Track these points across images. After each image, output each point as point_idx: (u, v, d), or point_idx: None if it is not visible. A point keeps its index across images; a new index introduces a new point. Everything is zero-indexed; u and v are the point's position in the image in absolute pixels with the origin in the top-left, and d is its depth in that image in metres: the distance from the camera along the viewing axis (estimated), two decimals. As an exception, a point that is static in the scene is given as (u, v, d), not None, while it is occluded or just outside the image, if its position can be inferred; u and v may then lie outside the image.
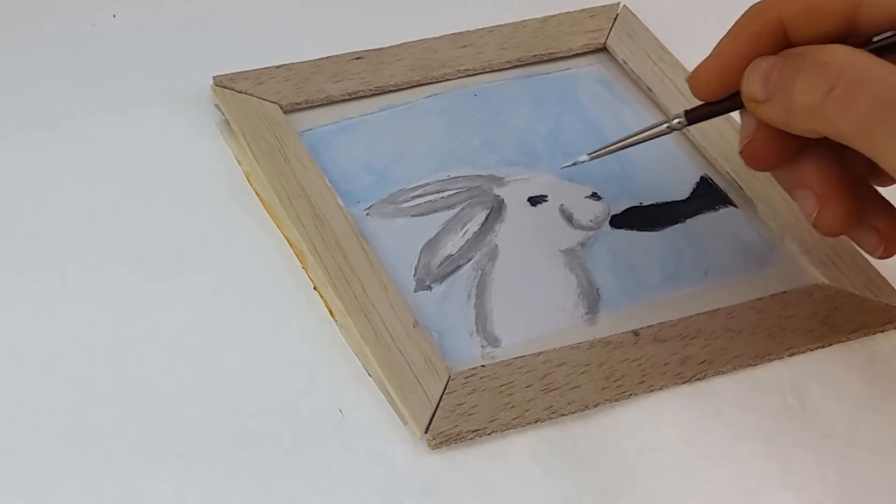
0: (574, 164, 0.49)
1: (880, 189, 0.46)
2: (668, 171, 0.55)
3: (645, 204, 0.53)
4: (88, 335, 0.46)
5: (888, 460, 0.45)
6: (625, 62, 0.59)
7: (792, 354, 0.48)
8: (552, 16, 0.61)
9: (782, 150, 0.45)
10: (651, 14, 0.62)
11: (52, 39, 0.58)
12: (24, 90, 0.55)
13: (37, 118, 0.54)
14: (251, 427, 0.44)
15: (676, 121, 0.47)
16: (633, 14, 0.62)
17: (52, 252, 0.48)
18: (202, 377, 0.45)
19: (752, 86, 0.44)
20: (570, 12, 0.62)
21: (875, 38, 0.43)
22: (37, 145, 0.53)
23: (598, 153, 0.49)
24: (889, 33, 0.43)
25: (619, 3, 0.62)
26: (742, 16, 0.45)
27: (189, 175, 0.52)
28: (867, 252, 0.46)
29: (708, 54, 0.46)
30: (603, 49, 0.60)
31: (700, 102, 0.47)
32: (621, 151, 0.55)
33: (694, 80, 0.46)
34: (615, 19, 0.61)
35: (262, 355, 0.46)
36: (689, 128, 0.55)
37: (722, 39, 0.45)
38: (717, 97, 0.46)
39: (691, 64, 0.58)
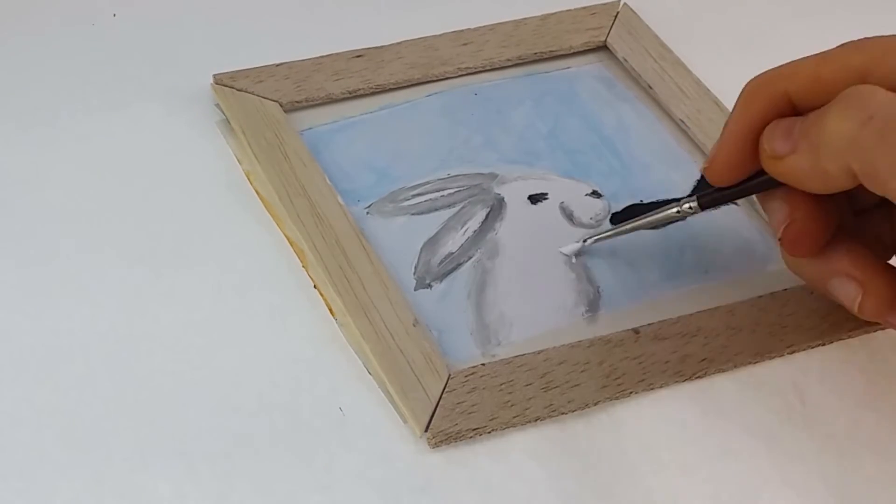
0: (577, 252, 0.49)
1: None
2: (668, 168, 0.55)
3: (645, 202, 0.53)
4: (88, 334, 0.46)
5: (889, 458, 0.45)
6: (625, 60, 0.59)
7: (792, 352, 0.48)
8: (553, 13, 0.61)
9: (825, 225, 0.43)
10: (652, 12, 0.62)
11: (53, 38, 0.58)
12: (25, 89, 0.55)
13: (37, 117, 0.54)
14: (251, 425, 0.44)
15: (688, 206, 0.46)
16: (634, 12, 0.62)
17: (51, 251, 0.49)
18: (202, 376, 0.45)
19: (774, 142, 0.42)
20: (570, 10, 0.62)
21: None
22: (37, 144, 0.53)
23: (601, 237, 0.49)
24: None
25: (619, 1, 0.62)
26: (742, 94, 0.44)
27: (189, 173, 0.52)
28: None
29: (716, 142, 0.44)
30: (603, 47, 0.60)
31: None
32: (621, 148, 0.56)
33: (710, 169, 0.45)
34: (616, 17, 0.61)
35: (261, 354, 0.46)
36: (688, 126, 0.56)
37: (729, 122, 0.44)
38: (737, 181, 0.44)
39: (692, 62, 0.59)
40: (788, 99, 0.43)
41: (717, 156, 0.44)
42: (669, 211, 0.47)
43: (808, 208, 0.43)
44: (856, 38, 0.43)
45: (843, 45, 0.43)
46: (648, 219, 0.47)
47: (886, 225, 0.46)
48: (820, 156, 0.40)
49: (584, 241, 0.48)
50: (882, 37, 0.42)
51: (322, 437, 0.43)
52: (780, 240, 0.44)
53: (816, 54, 0.43)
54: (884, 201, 0.40)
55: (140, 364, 0.45)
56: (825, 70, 0.42)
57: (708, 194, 0.46)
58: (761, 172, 0.44)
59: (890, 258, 0.46)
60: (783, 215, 0.44)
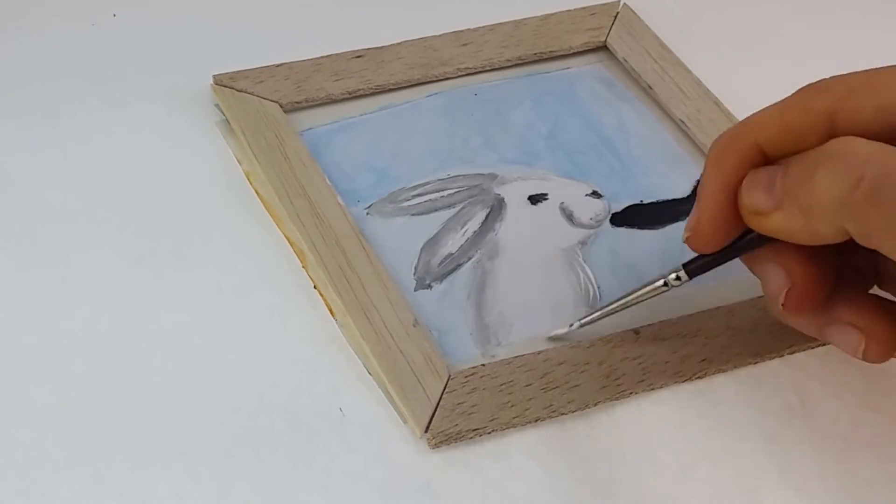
0: (564, 334, 0.47)
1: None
2: (668, 168, 0.55)
3: (645, 202, 0.53)
4: (88, 334, 0.46)
5: (889, 458, 0.45)
6: (625, 60, 0.59)
7: (792, 353, 0.48)
8: (552, 14, 0.61)
9: (825, 284, 0.42)
10: (652, 12, 0.62)
11: (53, 38, 0.58)
12: (25, 89, 0.55)
13: (37, 117, 0.54)
14: (251, 426, 0.44)
15: (673, 276, 0.44)
16: (634, 12, 0.62)
17: (51, 251, 0.49)
18: (202, 376, 0.45)
19: (754, 198, 0.40)
20: (570, 10, 0.62)
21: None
22: (37, 144, 0.53)
23: (590, 319, 0.47)
24: None
25: (619, 1, 0.62)
26: (711, 153, 0.42)
27: (189, 174, 0.52)
28: None
29: (694, 208, 0.42)
30: (603, 47, 0.60)
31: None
32: (621, 149, 0.56)
33: (693, 239, 0.43)
34: (616, 17, 0.61)
35: (262, 354, 0.46)
36: (688, 126, 0.56)
37: (702, 185, 0.42)
38: (722, 245, 0.43)
39: (692, 62, 0.59)
40: (759, 150, 0.41)
41: (698, 223, 0.42)
42: (656, 284, 0.45)
43: (804, 267, 0.42)
44: (815, 80, 0.41)
45: (804, 87, 0.41)
46: (634, 295, 0.46)
47: (866, 258, 0.44)
48: (811, 217, 0.39)
49: (571, 325, 0.47)
50: (843, 76, 0.41)
51: (322, 437, 0.43)
52: (781, 307, 0.42)
53: (778, 102, 0.41)
54: None
55: (140, 364, 0.45)
56: (790, 117, 0.41)
57: (695, 261, 0.44)
58: (747, 231, 0.42)
59: (871, 287, 0.44)
60: (781, 280, 0.42)
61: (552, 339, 0.47)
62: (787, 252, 0.42)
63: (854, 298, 0.42)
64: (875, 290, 0.44)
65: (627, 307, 0.46)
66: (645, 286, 0.45)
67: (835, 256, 0.42)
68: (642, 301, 0.46)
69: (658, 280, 0.45)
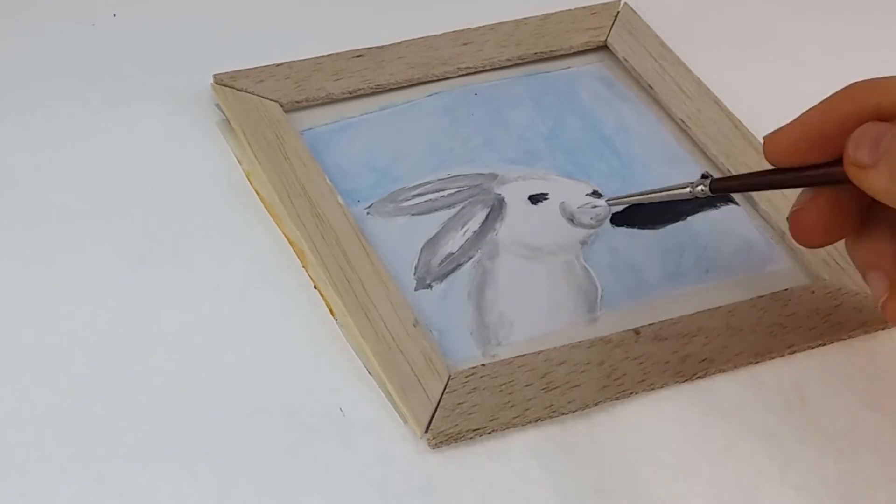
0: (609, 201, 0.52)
1: None
2: (668, 168, 0.55)
3: (646, 202, 0.53)
4: (88, 334, 0.46)
5: (889, 459, 0.45)
6: (626, 60, 0.59)
7: (793, 352, 0.48)
8: (553, 13, 0.61)
9: (836, 227, 0.43)
10: (652, 11, 0.62)
11: (53, 38, 0.58)
12: (25, 89, 0.55)
13: (37, 117, 0.54)
14: (251, 425, 0.44)
15: (700, 188, 0.47)
16: (634, 11, 0.62)
17: (52, 251, 0.49)
18: (202, 376, 0.45)
19: (859, 152, 0.41)
20: (570, 10, 0.61)
21: None
22: (37, 144, 0.53)
23: (618, 200, 0.51)
24: None
25: (619, 1, 0.62)
26: (837, 93, 0.43)
27: (189, 174, 0.52)
28: None
29: (791, 120, 0.44)
30: (604, 47, 0.60)
31: (728, 174, 0.46)
32: (621, 148, 0.56)
33: (771, 142, 0.44)
34: (616, 17, 0.61)
35: (262, 354, 0.46)
36: (689, 125, 0.56)
37: (810, 109, 0.43)
38: (788, 164, 0.44)
39: (692, 62, 0.59)
40: (878, 112, 0.42)
41: (781, 134, 0.44)
42: (684, 189, 0.48)
43: (825, 204, 0.43)
44: None
45: None
46: (663, 193, 0.48)
47: None
48: (893, 183, 0.40)
49: (607, 201, 0.51)
50: None
51: (322, 437, 0.43)
52: (787, 219, 0.45)
53: None
54: None
55: (140, 364, 0.45)
56: None
57: (721, 180, 0.46)
58: (812, 166, 0.43)
59: None
60: (804, 198, 0.44)
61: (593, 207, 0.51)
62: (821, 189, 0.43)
63: None
64: None
65: (653, 200, 0.50)
66: (674, 187, 0.48)
67: (865, 208, 0.43)
68: (668, 198, 0.48)
69: (686, 186, 0.47)
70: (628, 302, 0.49)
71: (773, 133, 0.44)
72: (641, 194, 0.50)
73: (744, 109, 0.57)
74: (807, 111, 0.44)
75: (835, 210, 0.44)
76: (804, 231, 0.44)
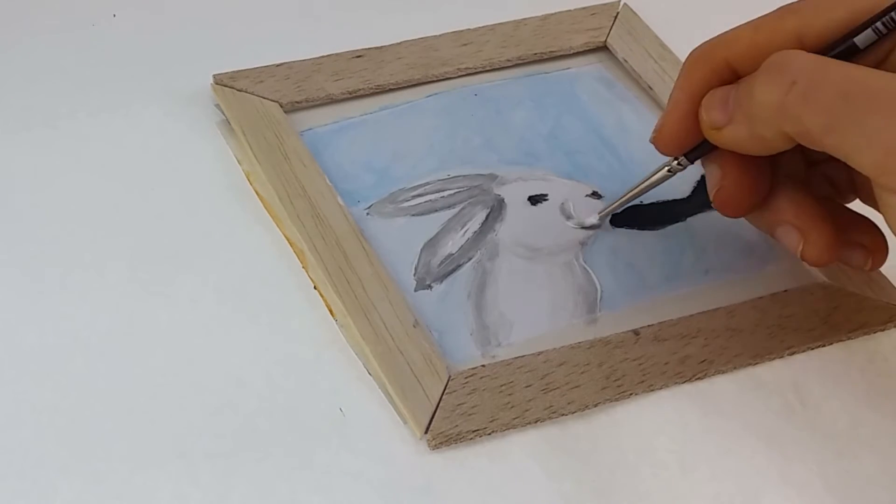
0: (591, 225, 0.51)
1: (852, 206, 0.47)
2: (668, 169, 0.55)
3: (645, 203, 0.53)
4: (88, 335, 0.46)
5: (889, 459, 0.45)
6: (625, 60, 0.59)
7: (792, 353, 0.48)
8: (552, 14, 0.61)
9: (753, 191, 0.45)
10: (652, 12, 0.62)
11: (53, 39, 0.58)
12: (25, 90, 0.55)
13: (37, 118, 0.54)
14: (251, 426, 0.44)
15: (675, 162, 0.47)
16: (634, 12, 0.62)
17: (52, 251, 0.48)
18: (202, 376, 0.45)
19: (712, 113, 0.43)
20: (570, 10, 0.62)
21: (830, 54, 0.42)
22: (37, 145, 0.53)
23: (608, 210, 0.51)
24: (841, 47, 0.42)
25: (619, 2, 0.62)
26: (685, 64, 0.45)
27: (189, 174, 0.52)
28: (857, 268, 0.47)
29: (663, 112, 0.46)
30: (603, 47, 0.60)
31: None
32: (621, 149, 0.56)
33: (658, 139, 0.46)
34: (616, 17, 0.61)
35: (261, 355, 0.46)
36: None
37: (672, 92, 0.45)
38: (684, 150, 0.46)
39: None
40: (729, 66, 0.44)
41: (663, 126, 0.46)
42: (661, 172, 0.48)
43: (737, 174, 0.45)
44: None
45: (778, 8, 0.44)
46: (644, 184, 0.49)
47: (839, 172, 0.47)
48: (754, 125, 0.42)
49: (599, 215, 0.51)
50: None
51: (322, 437, 0.44)
52: (711, 203, 0.46)
53: (753, 20, 0.44)
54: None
55: (140, 364, 0.45)
56: (761, 36, 0.43)
57: (693, 150, 0.47)
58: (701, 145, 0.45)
59: (851, 201, 0.47)
60: (716, 179, 0.45)
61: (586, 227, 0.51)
62: (727, 158, 0.45)
63: (800, 203, 0.45)
64: (858, 206, 0.47)
65: (637, 196, 0.50)
66: (652, 174, 0.49)
67: (769, 169, 0.45)
68: (650, 188, 0.49)
69: (662, 168, 0.48)
70: (628, 303, 0.49)
71: (656, 130, 0.46)
72: (627, 194, 0.50)
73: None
74: (671, 94, 0.45)
75: (748, 178, 0.45)
76: (730, 206, 0.46)
